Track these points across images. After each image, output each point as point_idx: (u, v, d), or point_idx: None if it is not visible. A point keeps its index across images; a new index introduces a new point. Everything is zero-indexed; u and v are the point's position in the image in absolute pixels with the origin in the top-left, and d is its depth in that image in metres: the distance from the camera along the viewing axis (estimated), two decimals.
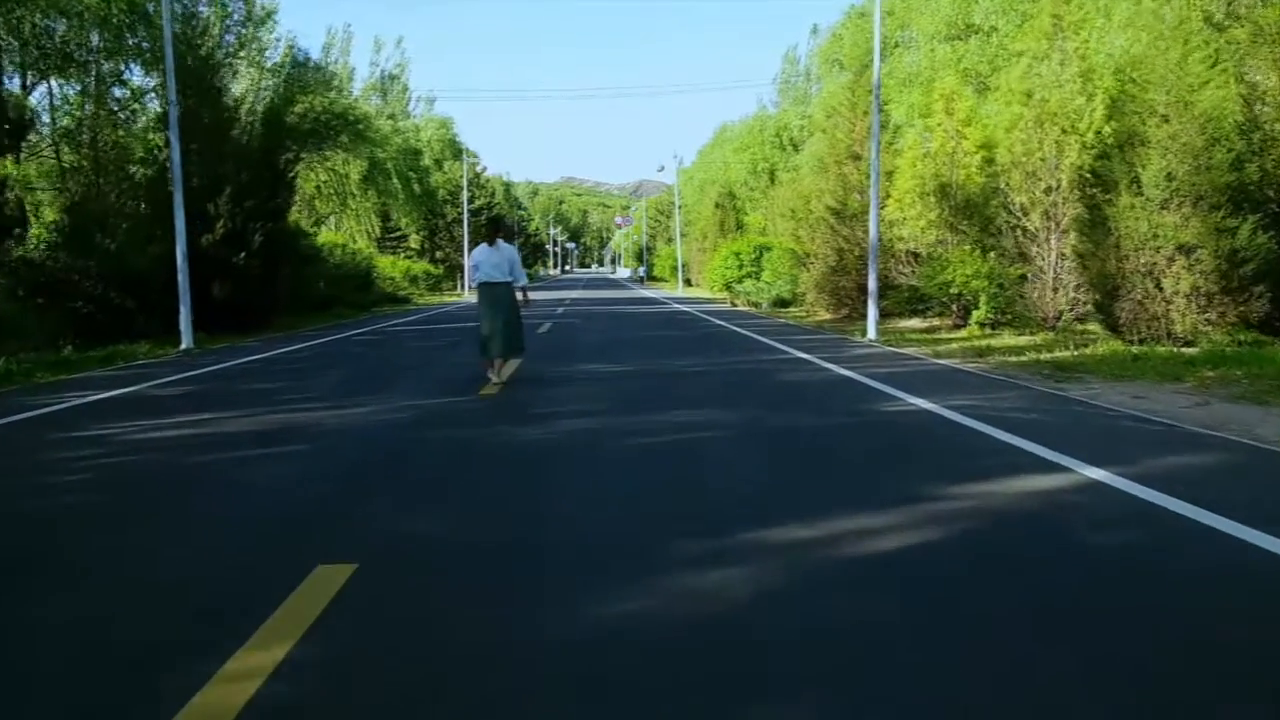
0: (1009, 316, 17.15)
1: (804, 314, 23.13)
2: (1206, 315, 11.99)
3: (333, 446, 6.30)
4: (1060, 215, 15.03)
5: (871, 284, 15.41)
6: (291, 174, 21.28)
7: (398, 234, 57.10)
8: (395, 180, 51.27)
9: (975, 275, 16.71)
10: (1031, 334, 14.99)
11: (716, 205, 49.29)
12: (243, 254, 18.29)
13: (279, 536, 4.09)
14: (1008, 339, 14.52)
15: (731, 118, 67.61)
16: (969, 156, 18.59)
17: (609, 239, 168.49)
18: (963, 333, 16.49)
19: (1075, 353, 11.87)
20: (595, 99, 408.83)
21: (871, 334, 15.18)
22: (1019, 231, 15.68)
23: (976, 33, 28.57)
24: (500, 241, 9.81)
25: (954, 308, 17.69)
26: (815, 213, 21.70)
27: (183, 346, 15.09)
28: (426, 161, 59.86)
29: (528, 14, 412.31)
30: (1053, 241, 15.20)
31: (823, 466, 5.45)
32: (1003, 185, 15.86)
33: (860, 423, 7.01)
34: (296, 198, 47.90)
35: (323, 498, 4.80)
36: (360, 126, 29.26)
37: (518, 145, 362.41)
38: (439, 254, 57.20)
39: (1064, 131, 14.83)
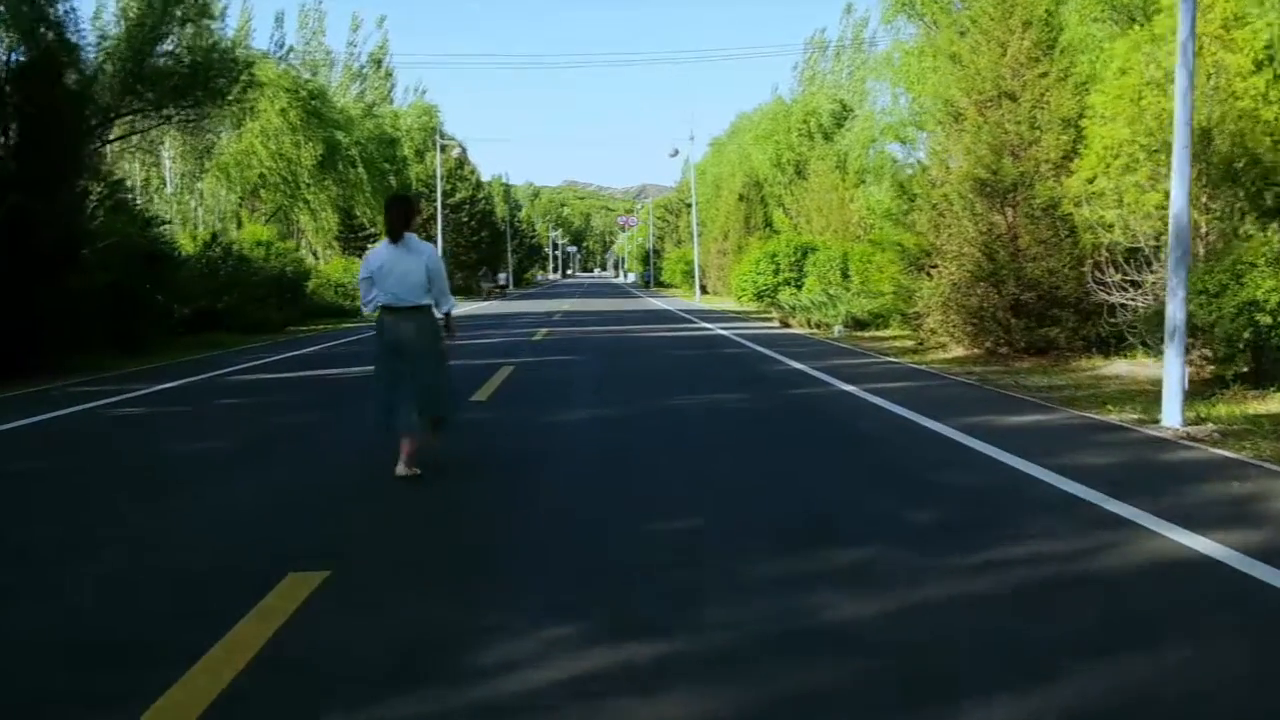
0: None
1: (915, 342, 14.99)
2: None
3: None
4: None
5: (1175, 311, 7.16)
6: (96, 127, 13.22)
7: (366, 232, 48.99)
8: (361, 169, 43.31)
9: None
10: None
11: (740, 197, 41.34)
12: None
13: None
14: None
15: (747, 108, 59.60)
16: (1243, 80, 10.54)
17: (611, 243, 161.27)
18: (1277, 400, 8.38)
19: None
20: (595, 84, 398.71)
21: (1173, 417, 7.03)
22: None
23: None
24: (412, 238, 5.65)
25: (1245, 348, 9.53)
26: (944, 185, 13.59)
27: None
28: (405, 151, 51.86)
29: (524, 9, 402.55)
30: None
31: None
32: None
33: None
34: (239, 186, 40.35)
35: None
36: (255, 73, 21.26)
37: (520, 148, 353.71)
38: None
39: None
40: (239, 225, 37.75)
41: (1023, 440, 6.52)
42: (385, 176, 45.79)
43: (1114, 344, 12.55)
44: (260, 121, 38.31)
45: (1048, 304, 12.90)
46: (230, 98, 18.94)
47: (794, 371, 11.39)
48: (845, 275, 25.57)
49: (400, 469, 5.41)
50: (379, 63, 60.05)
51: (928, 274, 13.75)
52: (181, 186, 40.88)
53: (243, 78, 18.90)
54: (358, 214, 45.97)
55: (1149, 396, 8.66)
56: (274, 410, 8.80)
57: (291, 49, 48.36)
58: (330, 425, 7.73)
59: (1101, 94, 12.09)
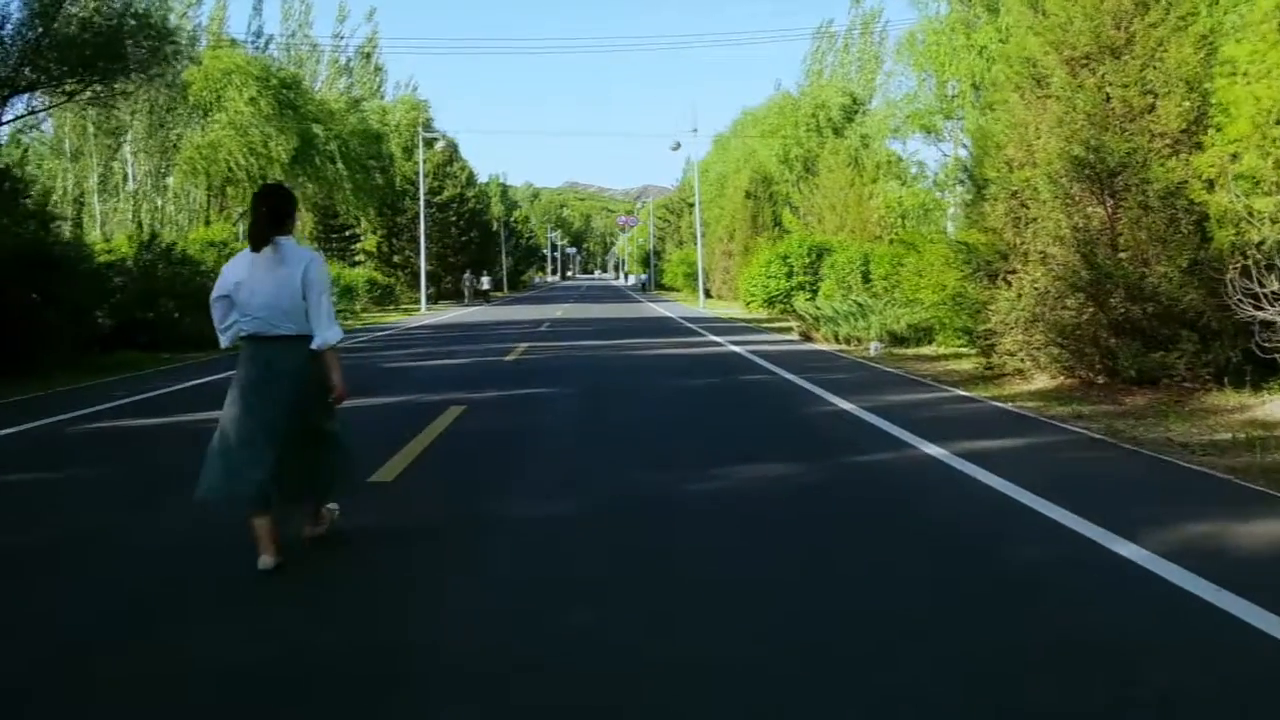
0: None
1: (982, 367, 12.03)
2: None
3: None
4: None
5: None
6: None
7: (348, 231, 46.11)
8: (341, 165, 40.32)
9: None
10: None
11: (747, 195, 38.48)
12: None
13: None
14: None
15: (750, 104, 56.92)
16: None
17: (612, 244, 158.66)
18: None
19: None
20: (596, 82, 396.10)
21: None
22: None
23: None
24: (287, 243, 4.24)
25: None
26: (1025, 168, 10.63)
27: None
28: (393, 148, 48.94)
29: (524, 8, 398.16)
30: None
31: None
32: None
33: None
34: (204, 182, 37.41)
35: None
36: (177, 43, 18.29)
37: (520, 150, 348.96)
38: (397, 258, 46.28)
39: None
40: (209, 225, 34.92)
41: None
42: (370, 173, 42.96)
43: (1249, 373, 9.63)
44: (228, 112, 35.50)
45: (1160, 321, 9.96)
46: (152, 72, 15.96)
47: (845, 417, 8.42)
48: (866, 279, 22.83)
49: (264, 560, 4.02)
50: (368, 56, 57.10)
51: (1005, 281, 10.80)
52: (149, 184, 37.92)
53: (166, 49, 15.94)
54: (340, 212, 43.07)
55: None
56: (88, 494, 5.85)
57: (271, 39, 45.46)
58: (138, 529, 4.85)
59: (1247, 43, 9.17)
